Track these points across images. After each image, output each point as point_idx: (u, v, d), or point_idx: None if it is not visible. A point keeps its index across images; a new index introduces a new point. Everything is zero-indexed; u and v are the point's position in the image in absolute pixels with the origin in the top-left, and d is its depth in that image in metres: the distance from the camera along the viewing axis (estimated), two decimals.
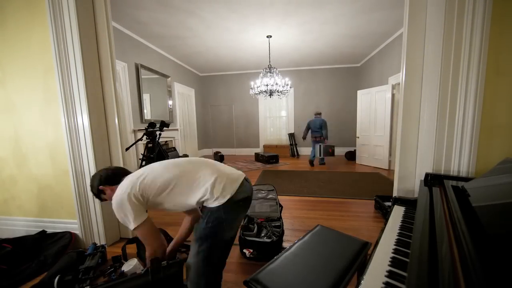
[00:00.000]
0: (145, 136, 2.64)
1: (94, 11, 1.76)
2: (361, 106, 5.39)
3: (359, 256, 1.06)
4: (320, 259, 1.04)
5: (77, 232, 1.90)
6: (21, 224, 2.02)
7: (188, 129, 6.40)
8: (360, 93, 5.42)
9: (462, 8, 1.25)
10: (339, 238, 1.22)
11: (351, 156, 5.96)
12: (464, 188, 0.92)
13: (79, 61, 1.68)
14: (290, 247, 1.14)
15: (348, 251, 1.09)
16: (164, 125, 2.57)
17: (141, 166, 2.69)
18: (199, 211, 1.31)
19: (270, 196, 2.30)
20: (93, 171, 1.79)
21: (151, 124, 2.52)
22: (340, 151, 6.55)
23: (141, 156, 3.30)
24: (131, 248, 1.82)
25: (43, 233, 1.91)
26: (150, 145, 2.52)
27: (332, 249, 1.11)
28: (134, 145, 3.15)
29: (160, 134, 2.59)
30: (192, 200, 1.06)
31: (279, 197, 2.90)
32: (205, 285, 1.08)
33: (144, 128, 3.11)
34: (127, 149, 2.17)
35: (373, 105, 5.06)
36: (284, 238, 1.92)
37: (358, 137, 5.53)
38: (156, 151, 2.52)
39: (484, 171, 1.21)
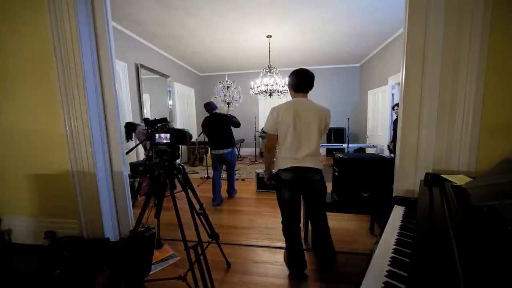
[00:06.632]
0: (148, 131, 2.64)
1: (94, 11, 1.75)
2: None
3: None
4: None
5: (78, 232, 1.90)
6: (21, 224, 2.02)
7: (188, 129, 6.41)
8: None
9: (463, 7, 1.25)
10: None
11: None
12: (464, 188, 0.92)
13: (79, 61, 1.68)
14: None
15: None
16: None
17: (145, 164, 2.70)
18: None
19: None
20: (93, 171, 1.79)
21: (155, 121, 2.50)
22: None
23: (143, 157, 3.29)
24: None
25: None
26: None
27: None
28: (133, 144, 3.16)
29: None
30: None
31: None
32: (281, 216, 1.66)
33: (144, 129, 3.10)
34: (127, 152, 2.17)
35: (372, 105, 5.06)
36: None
37: (367, 137, 5.54)
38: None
39: (484, 171, 1.21)
